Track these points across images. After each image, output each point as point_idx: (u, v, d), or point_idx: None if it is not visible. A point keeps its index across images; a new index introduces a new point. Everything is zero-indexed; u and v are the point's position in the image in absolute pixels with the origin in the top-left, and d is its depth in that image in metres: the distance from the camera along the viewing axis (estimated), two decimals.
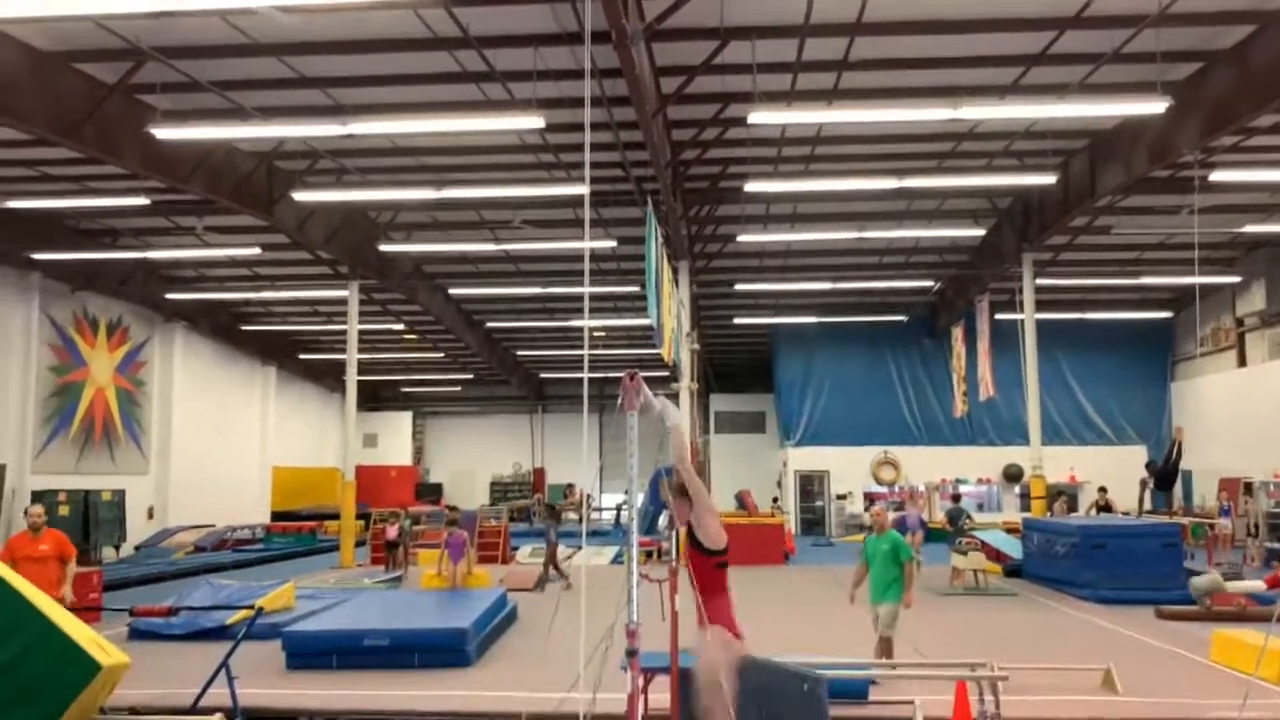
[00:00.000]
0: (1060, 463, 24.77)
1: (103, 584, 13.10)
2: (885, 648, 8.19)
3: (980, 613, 12.62)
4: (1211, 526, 18.00)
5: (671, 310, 14.97)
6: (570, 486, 31.71)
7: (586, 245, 17.89)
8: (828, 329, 27.96)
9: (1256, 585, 12.01)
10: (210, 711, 6.60)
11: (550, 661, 8.52)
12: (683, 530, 5.37)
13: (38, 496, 19.12)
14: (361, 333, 21.78)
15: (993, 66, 12.91)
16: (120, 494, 22.32)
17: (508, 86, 12.66)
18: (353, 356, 20.93)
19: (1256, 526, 19.43)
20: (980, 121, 14.58)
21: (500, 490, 38.66)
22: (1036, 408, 19.43)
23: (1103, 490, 18.73)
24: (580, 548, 19.15)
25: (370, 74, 12.90)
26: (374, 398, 39.15)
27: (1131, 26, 11.44)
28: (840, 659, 7.68)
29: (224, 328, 28.26)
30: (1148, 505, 19.11)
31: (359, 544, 20.63)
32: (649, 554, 17.29)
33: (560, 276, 22.91)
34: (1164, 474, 17.22)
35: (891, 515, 17.00)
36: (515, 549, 19.94)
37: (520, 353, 34.74)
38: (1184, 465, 17.81)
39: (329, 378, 35.91)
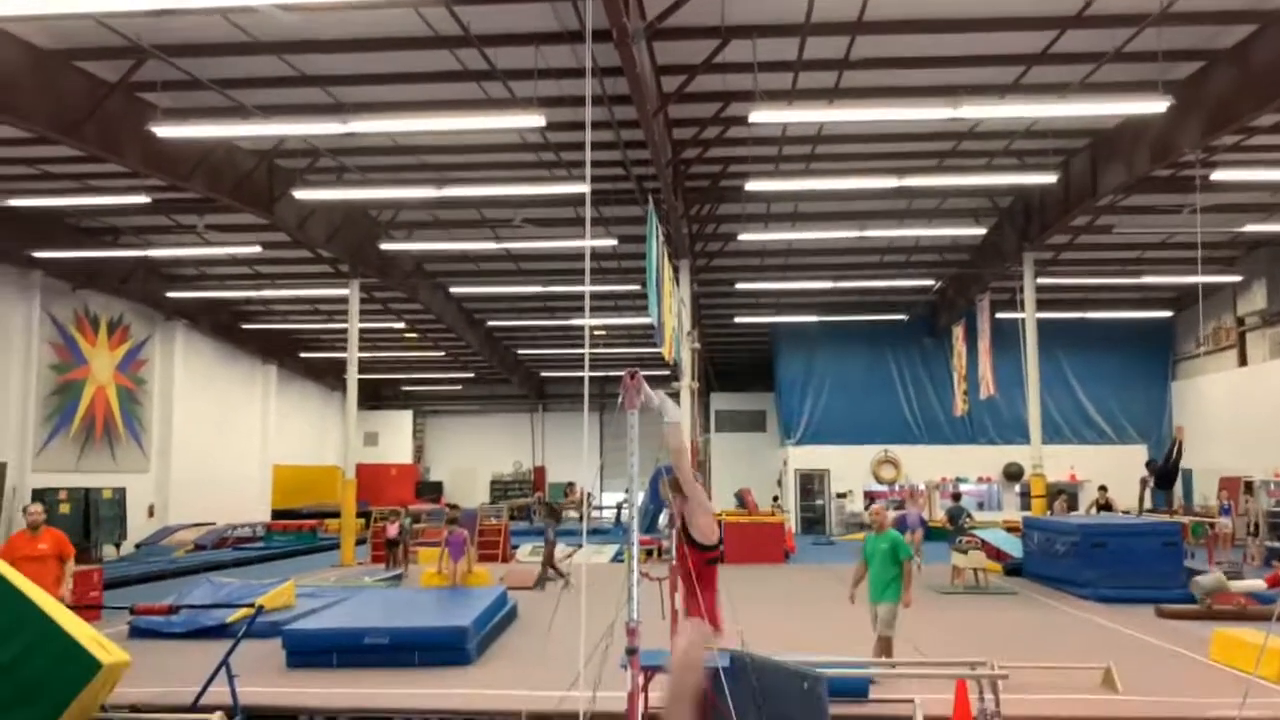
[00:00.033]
0: (1061, 462, 24.76)
1: (103, 582, 13.10)
2: (884, 647, 8.20)
3: (980, 611, 12.62)
4: (1212, 525, 18.01)
5: (672, 309, 14.97)
6: (571, 485, 31.72)
7: (587, 244, 17.87)
8: (828, 328, 27.96)
9: (1258, 584, 12.01)
10: (211, 709, 6.61)
11: (550, 660, 8.53)
12: (678, 523, 5.38)
13: (38, 495, 19.14)
14: (362, 331, 21.79)
15: (993, 65, 12.90)
16: (121, 492, 22.33)
17: (509, 85, 12.66)
18: (353, 355, 20.94)
19: (1257, 525, 19.44)
20: (981, 120, 14.58)
21: (500, 489, 38.68)
22: (1037, 407, 19.43)
23: (1103, 489, 18.74)
24: (580, 546, 19.17)
25: (371, 72, 12.90)
26: (375, 396, 39.16)
27: (1132, 25, 11.43)
28: (840, 657, 7.68)
29: (225, 326, 28.27)
30: (1148, 504, 19.12)
31: (359, 542, 20.64)
32: (649, 552, 17.29)
33: (561, 275, 22.91)
34: (1164, 473, 17.23)
35: (892, 514, 17.04)
36: (515, 547, 19.95)
37: (521, 351, 34.75)
38: (1184, 464, 17.82)
39: (330, 376, 35.93)
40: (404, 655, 8.95)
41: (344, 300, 21.32)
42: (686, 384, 19.44)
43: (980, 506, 26.44)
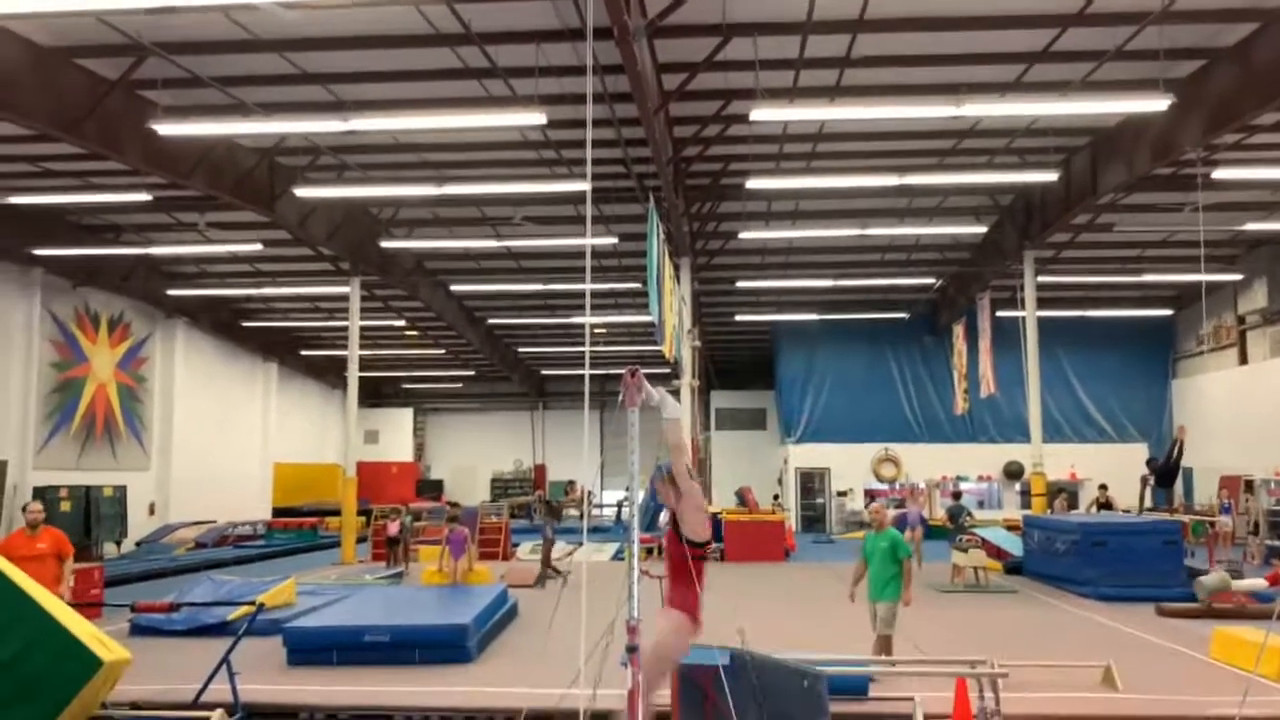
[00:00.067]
0: (1061, 460, 24.76)
1: (104, 580, 13.09)
2: (884, 645, 8.20)
3: (980, 610, 12.63)
4: (1212, 524, 18.00)
5: (673, 307, 14.97)
6: (571, 483, 31.73)
7: (588, 242, 17.90)
8: (829, 326, 27.95)
9: (1259, 583, 12.01)
10: (211, 707, 6.61)
11: (551, 658, 8.51)
12: (671, 517, 5.39)
13: (39, 492, 19.13)
14: (363, 329, 21.79)
15: (995, 64, 12.90)
16: (121, 490, 22.36)
17: (509, 83, 12.65)
18: (354, 353, 20.95)
19: (1257, 524, 19.44)
20: (982, 119, 14.57)
21: (501, 487, 38.70)
22: (1037, 405, 19.43)
23: (1103, 488, 18.75)
24: (581, 544, 19.18)
25: (372, 70, 12.89)
26: (375, 394, 39.17)
27: (1134, 24, 11.42)
28: (841, 655, 7.69)
29: (225, 324, 28.28)
30: (1148, 503, 19.12)
31: (360, 540, 20.65)
32: (650, 550, 17.29)
33: (561, 273, 22.91)
34: (1165, 471, 17.25)
35: (892, 512, 17.05)
36: (516, 545, 19.96)
37: (521, 349, 34.76)
38: (1185, 463, 17.82)
39: (330, 374, 35.95)
40: (404, 653, 8.95)
41: (345, 298, 21.32)
42: (687, 382, 19.45)
43: (980, 505, 26.45)
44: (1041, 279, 20.57)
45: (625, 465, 4.83)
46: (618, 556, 18.87)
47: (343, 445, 30.03)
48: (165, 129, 12.75)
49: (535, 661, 8.85)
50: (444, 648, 9.06)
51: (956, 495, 17.81)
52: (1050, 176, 15.85)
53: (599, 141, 15.13)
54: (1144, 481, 18.79)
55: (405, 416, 40.04)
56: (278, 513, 29.27)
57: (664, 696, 5.62)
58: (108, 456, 23.17)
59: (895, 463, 28.13)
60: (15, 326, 20.15)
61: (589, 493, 30.05)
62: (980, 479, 27.75)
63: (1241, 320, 23.80)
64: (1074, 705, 7.34)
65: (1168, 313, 27.02)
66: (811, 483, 29.04)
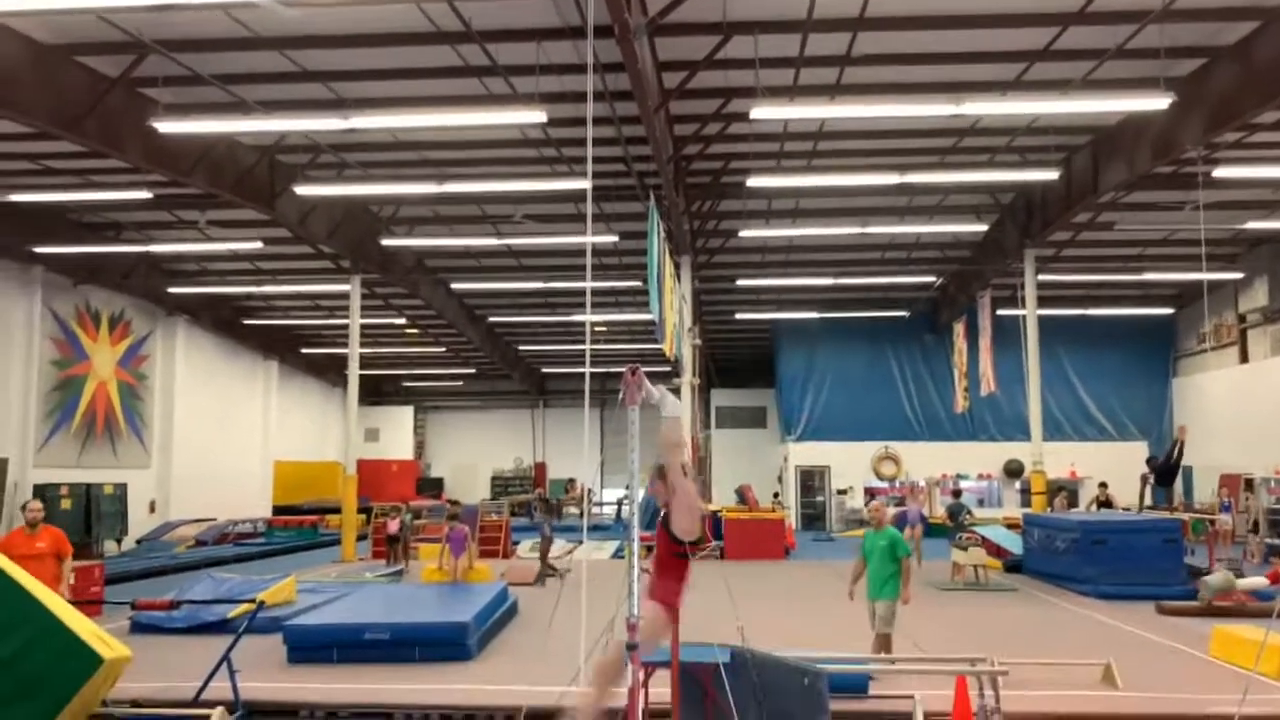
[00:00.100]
0: (1061, 458, 24.76)
1: (104, 577, 13.11)
2: (883, 644, 8.21)
3: (980, 608, 12.64)
4: (1212, 522, 18.00)
5: (673, 305, 14.98)
6: (571, 481, 31.76)
7: (588, 240, 17.82)
8: (829, 324, 27.94)
9: (1261, 582, 12.01)
10: (212, 705, 6.62)
11: (551, 656, 8.53)
12: (662, 512, 5.40)
13: (40, 490, 19.15)
14: (363, 327, 21.79)
15: (996, 62, 12.89)
16: (122, 488, 22.37)
17: (510, 81, 12.64)
18: (354, 351, 20.95)
19: (1257, 522, 19.44)
20: (983, 117, 14.56)
21: (501, 485, 38.74)
22: (1038, 403, 19.42)
23: (1103, 486, 18.75)
24: (581, 542, 19.19)
25: (372, 68, 12.89)
26: (375, 392, 39.19)
27: (1135, 22, 11.42)
28: (841, 653, 7.69)
29: (226, 322, 28.28)
30: (1148, 501, 19.12)
31: (360, 538, 20.66)
32: (650, 548, 17.29)
33: (562, 271, 22.90)
34: (1165, 470, 17.26)
35: (892, 510, 17.06)
36: (516, 544, 19.97)
37: (522, 347, 34.77)
38: (1185, 462, 17.83)
39: (331, 372, 35.96)
40: (405, 651, 8.96)
41: (345, 296, 21.32)
42: (687, 380, 19.47)
43: (981, 503, 26.44)
44: (1042, 277, 20.57)
45: (625, 463, 4.83)
46: (618, 555, 18.88)
47: (343, 443, 30.06)
48: (166, 127, 12.74)
49: (535, 659, 8.85)
50: (444, 645, 9.07)
51: (956, 493, 17.83)
52: (1051, 175, 15.85)
53: (599, 139, 15.11)
54: (1144, 480, 18.80)
55: (406, 414, 40.07)
56: (278, 510, 29.28)
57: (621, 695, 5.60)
58: (108, 454, 23.18)
59: (895, 461, 28.14)
60: (16, 324, 20.16)
61: (589, 491, 30.06)
62: (980, 477, 27.76)
63: (1242, 319, 23.80)
64: (1074, 703, 7.34)
65: (1168, 311, 27.00)
66: (812, 481, 29.04)
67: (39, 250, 19.51)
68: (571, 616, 5.70)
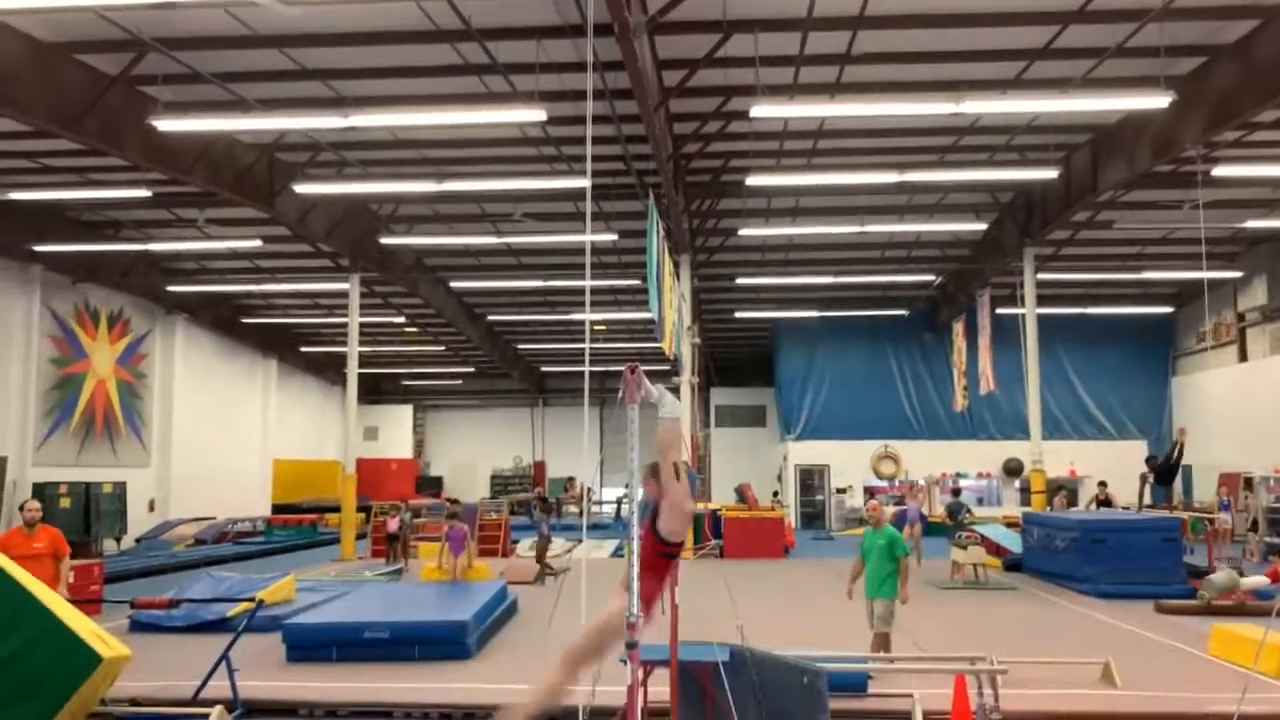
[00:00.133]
0: (1060, 457, 24.76)
1: (103, 576, 13.11)
2: (881, 642, 8.21)
3: (980, 607, 12.64)
4: (1211, 521, 18.01)
5: (673, 304, 14.98)
6: (571, 480, 31.78)
7: (588, 239, 17.87)
8: (829, 323, 27.94)
9: (1263, 581, 12.02)
10: (211, 703, 6.62)
11: (550, 654, 8.50)
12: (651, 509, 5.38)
13: (39, 489, 19.16)
14: (362, 326, 21.80)
15: (995, 61, 12.89)
16: (121, 486, 22.36)
17: (509, 79, 12.64)
18: (354, 349, 20.95)
19: (1256, 521, 19.45)
20: (982, 115, 14.54)
21: (501, 483, 38.72)
22: (1037, 402, 19.43)
23: (1103, 485, 18.75)
24: (580, 541, 19.20)
25: (372, 66, 12.88)
26: (375, 391, 39.18)
27: (1135, 20, 11.42)
28: (840, 652, 7.70)
29: (225, 320, 28.27)
30: (1148, 500, 19.14)
31: (360, 537, 20.65)
32: None
33: (561, 270, 22.90)
34: (1164, 469, 17.28)
35: (892, 509, 17.05)
36: (515, 542, 19.99)
37: (521, 346, 34.76)
38: (1185, 461, 17.86)
39: (330, 371, 35.94)
40: (404, 649, 8.96)
41: (344, 294, 21.32)
42: (687, 379, 19.47)
43: (980, 502, 26.45)
44: (1041, 276, 20.58)
45: (625, 462, 4.83)
46: (617, 553, 18.89)
47: (342, 442, 30.04)
48: (165, 125, 12.72)
49: (535, 658, 8.81)
50: (443, 644, 9.08)
51: (956, 492, 17.81)
52: (1050, 174, 15.85)
53: (599, 138, 15.12)
54: (1143, 479, 18.81)
55: (405, 413, 40.06)
56: (277, 509, 29.29)
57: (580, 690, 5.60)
58: (107, 453, 23.17)
59: (895, 460, 28.14)
60: (15, 323, 20.14)
61: (588, 490, 30.06)
62: (980, 476, 27.75)
63: (1241, 317, 23.80)
64: (1073, 702, 7.35)
65: (1168, 310, 27.01)
66: (811, 480, 29.05)
67: (38, 249, 19.49)
68: (571, 615, 5.70)
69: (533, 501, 27.45)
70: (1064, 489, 20.48)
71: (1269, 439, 21.00)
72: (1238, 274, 22.94)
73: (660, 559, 5.16)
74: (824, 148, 16.25)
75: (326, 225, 18.76)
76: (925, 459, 27.88)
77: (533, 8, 11.21)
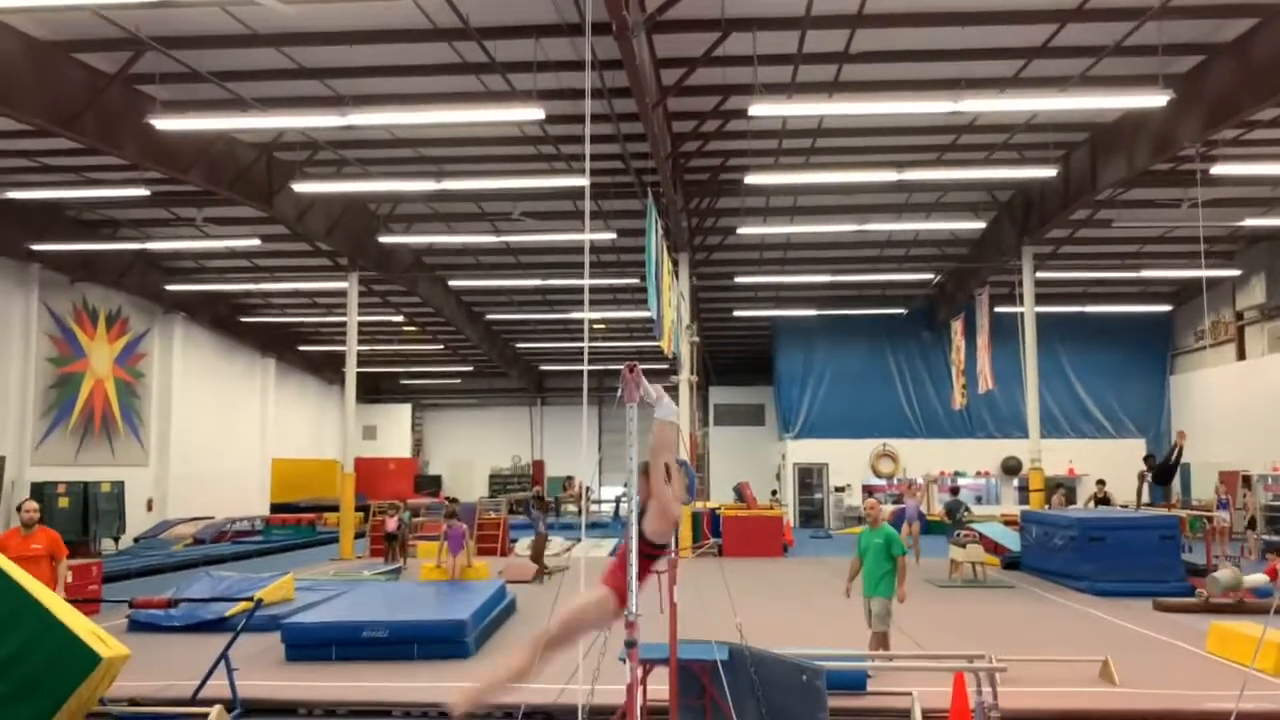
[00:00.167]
0: (1059, 456, 24.80)
1: (102, 576, 13.10)
2: (879, 641, 8.22)
3: (978, 604, 12.65)
4: (1209, 519, 18.05)
5: (671, 302, 14.96)
6: (569, 479, 31.79)
7: (586, 237, 17.87)
8: (827, 322, 27.96)
9: (1262, 579, 12.03)
10: (210, 703, 6.62)
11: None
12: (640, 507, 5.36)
13: (37, 488, 19.15)
14: (361, 324, 21.80)
15: (994, 59, 12.89)
16: (120, 486, 22.34)
17: (508, 78, 12.62)
18: (352, 348, 20.93)
19: (1254, 519, 19.48)
20: (981, 114, 14.55)
21: (499, 483, 38.71)
22: (1035, 401, 19.44)
23: (1101, 483, 18.78)
24: (579, 540, 19.19)
25: (370, 65, 12.87)
26: (373, 390, 39.16)
27: (1133, 19, 11.42)
28: (839, 650, 7.70)
29: (223, 319, 28.25)
30: (1146, 498, 19.16)
31: (358, 536, 20.65)
32: None
33: (560, 268, 22.90)
34: (1163, 471, 17.31)
35: (890, 507, 17.05)
36: (514, 541, 19.98)
37: (520, 345, 34.74)
38: (1183, 459, 17.88)
39: (328, 370, 35.91)
40: (403, 649, 8.96)
41: (343, 293, 21.31)
42: (685, 377, 19.46)
43: (978, 500, 26.50)
44: (1040, 274, 20.58)
45: (623, 461, 4.83)
46: (615, 552, 18.87)
47: (341, 441, 30.00)
48: (163, 124, 12.71)
49: None
50: (442, 643, 9.08)
51: (954, 490, 17.85)
52: (1049, 172, 15.86)
53: (597, 137, 15.12)
54: (1141, 477, 18.84)
55: (403, 412, 40.04)
56: (276, 508, 29.27)
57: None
58: (106, 452, 23.15)
59: (893, 458, 28.16)
60: (13, 322, 20.10)
61: (587, 488, 30.08)
62: (978, 474, 27.78)
63: (1240, 316, 23.82)
64: (1071, 700, 7.36)
65: (1166, 308, 27.03)
66: (810, 478, 29.06)
67: (36, 247, 19.46)
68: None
69: (530, 500, 27.53)
70: (1062, 487, 20.50)
71: (1267, 437, 21.03)
72: (1236, 272, 22.95)
73: (642, 559, 5.15)
74: (822, 146, 16.25)
75: (325, 224, 18.75)
76: (924, 457, 27.90)
77: (531, 6, 11.20)
